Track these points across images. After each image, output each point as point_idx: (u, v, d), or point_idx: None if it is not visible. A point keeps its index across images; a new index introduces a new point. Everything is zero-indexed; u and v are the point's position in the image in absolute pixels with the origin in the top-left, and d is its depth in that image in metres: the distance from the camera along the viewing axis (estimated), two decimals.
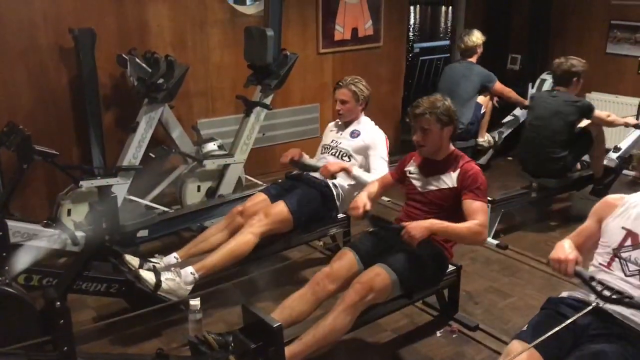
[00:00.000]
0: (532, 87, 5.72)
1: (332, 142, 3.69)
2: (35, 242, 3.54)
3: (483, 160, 5.40)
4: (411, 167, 3.07)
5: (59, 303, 1.99)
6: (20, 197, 4.00)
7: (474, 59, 5.22)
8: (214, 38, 4.82)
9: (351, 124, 3.67)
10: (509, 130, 5.60)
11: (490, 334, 3.08)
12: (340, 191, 3.55)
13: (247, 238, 3.21)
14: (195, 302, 2.87)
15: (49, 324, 2.02)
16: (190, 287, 3.07)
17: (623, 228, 2.21)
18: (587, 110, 4.21)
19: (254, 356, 1.93)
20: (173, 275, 3.04)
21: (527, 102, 5.29)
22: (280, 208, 3.34)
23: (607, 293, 2.06)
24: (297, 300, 2.73)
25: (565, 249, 2.20)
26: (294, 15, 5.13)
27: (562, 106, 4.19)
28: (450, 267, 3.10)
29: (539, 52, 5.98)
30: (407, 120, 3.03)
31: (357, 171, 3.47)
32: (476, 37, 5.19)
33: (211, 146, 4.41)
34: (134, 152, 4.07)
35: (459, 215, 2.81)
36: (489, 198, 4.06)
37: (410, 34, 7.39)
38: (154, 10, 4.50)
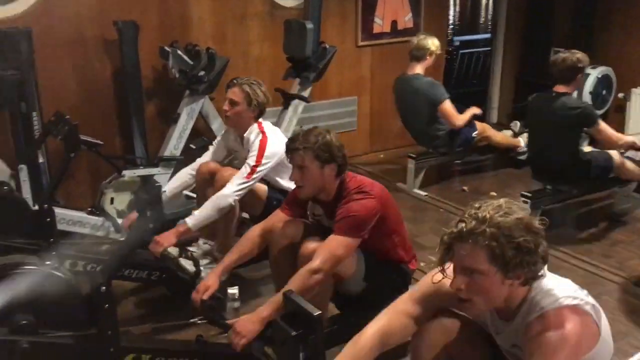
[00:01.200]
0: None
1: (234, 159, 3.43)
2: (79, 229, 3.66)
3: (524, 156, 5.29)
4: (315, 210, 2.74)
5: (104, 288, 2.06)
6: (65, 186, 4.11)
7: (421, 68, 4.60)
8: (254, 31, 4.86)
9: (244, 139, 3.27)
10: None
11: None
12: None
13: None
14: (234, 291, 2.92)
15: (94, 308, 2.08)
16: (228, 273, 3.11)
17: None
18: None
19: (294, 343, 1.96)
20: (211, 262, 3.09)
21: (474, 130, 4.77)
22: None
23: None
24: None
25: None
26: (333, 7, 5.13)
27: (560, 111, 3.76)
28: None
29: (583, 46, 5.84)
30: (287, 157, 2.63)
31: (193, 219, 3.02)
32: (431, 42, 4.59)
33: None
34: (175, 143, 4.15)
35: (381, 240, 2.61)
36: (527, 193, 4.02)
37: (450, 26, 7.27)
38: (195, 3, 4.56)
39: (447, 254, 1.70)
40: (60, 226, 3.42)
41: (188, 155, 4.28)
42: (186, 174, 3.39)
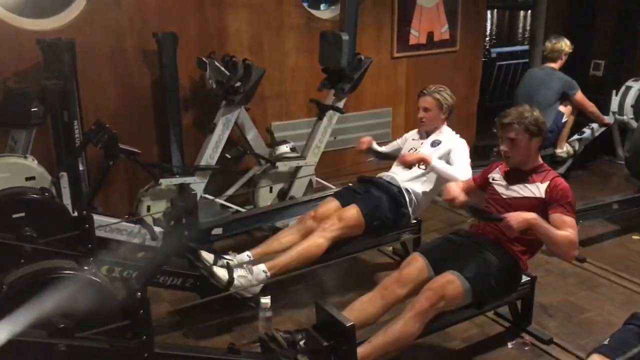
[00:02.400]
0: (616, 95, 5.48)
1: (410, 150, 3.66)
2: (117, 236, 3.72)
3: (561, 170, 5.20)
4: (495, 175, 3.03)
5: (139, 294, 2.08)
6: (103, 193, 4.19)
7: (556, 65, 5.02)
8: (290, 42, 4.90)
9: (432, 134, 3.64)
10: (588, 142, 5.38)
11: (565, 348, 2.97)
12: (414, 197, 3.52)
13: (319, 241, 3.23)
14: (266, 300, 2.92)
15: (130, 313, 2.11)
16: (261, 285, 3.13)
17: None
18: None
19: (326, 354, 1.95)
20: (245, 272, 3.10)
21: (607, 120, 5.15)
22: (353, 212, 3.35)
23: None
24: (365, 303, 2.73)
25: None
26: (369, 19, 5.14)
27: None
28: (525, 278, 3.02)
29: (625, 58, 5.72)
30: (494, 130, 2.97)
31: (437, 163, 3.37)
32: (564, 43, 5.01)
33: (284, 148, 4.48)
34: (210, 153, 4.21)
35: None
36: None
37: (487, 38, 7.23)
38: (233, 15, 4.62)
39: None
40: (98, 233, 3.48)
41: (223, 165, 4.35)
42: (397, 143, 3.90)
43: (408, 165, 3.43)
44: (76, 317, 2.05)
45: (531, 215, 2.65)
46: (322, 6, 7.02)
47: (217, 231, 3.83)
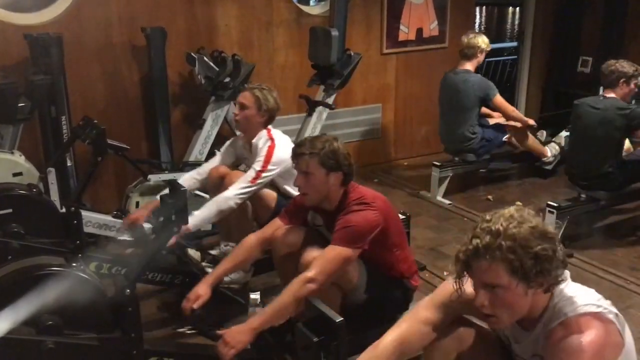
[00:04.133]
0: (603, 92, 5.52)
1: (242, 167, 3.35)
2: (105, 232, 3.71)
3: (550, 167, 5.23)
4: (315, 219, 2.71)
5: (128, 291, 2.08)
6: (91, 189, 4.17)
7: (471, 65, 4.65)
8: (279, 38, 4.89)
9: (252, 145, 3.24)
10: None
11: None
12: None
13: None
14: (255, 296, 2.92)
15: (119, 310, 2.10)
16: (250, 273, 3.11)
17: None
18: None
19: (316, 350, 1.96)
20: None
21: (531, 122, 4.82)
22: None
23: None
24: None
25: None
26: (358, 15, 5.14)
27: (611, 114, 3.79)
28: None
29: (612, 55, 5.76)
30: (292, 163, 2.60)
31: (193, 219, 2.92)
32: (481, 39, 4.63)
33: None
34: (200, 148, 4.20)
35: (382, 253, 2.57)
36: (553, 204, 3.97)
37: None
38: (222, 11, 4.60)
39: (464, 271, 1.66)
40: (87, 229, 3.47)
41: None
42: (191, 177, 3.35)
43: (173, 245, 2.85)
44: (64, 314, 2.05)
45: (249, 325, 2.28)
46: (312, 2, 7.02)
47: (206, 227, 3.82)
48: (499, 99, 4.63)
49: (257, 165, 3.06)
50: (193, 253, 3.16)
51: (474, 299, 1.67)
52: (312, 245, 2.53)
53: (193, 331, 2.74)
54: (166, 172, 4.13)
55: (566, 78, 5.11)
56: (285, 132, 4.68)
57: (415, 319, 1.90)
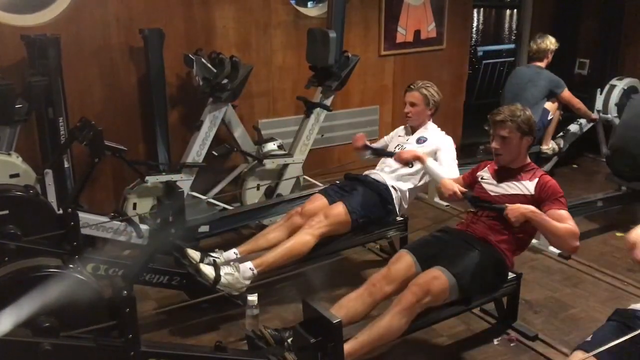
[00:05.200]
0: (600, 94, 5.54)
1: (396, 147, 3.66)
2: (102, 234, 3.70)
3: (547, 167, 5.25)
4: (484, 173, 3.07)
5: (125, 292, 2.07)
6: (89, 190, 4.16)
7: (543, 64, 5.05)
8: (277, 40, 4.89)
9: (418, 130, 3.66)
10: (574, 138, 5.43)
11: (550, 344, 3.00)
12: (399, 194, 3.54)
13: (306, 239, 3.24)
14: (253, 298, 2.93)
15: (116, 311, 2.10)
16: (248, 282, 3.12)
17: None
18: None
19: (314, 351, 1.95)
20: (232, 270, 3.10)
21: (594, 116, 5.21)
22: (339, 209, 3.36)
23: None
24: (353, 300, 2.74)
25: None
26: (356, 17, 5.15)
27: None
28: (510, 275, 3.04)
29: (609, 57, 5.78)
30: (486, 128, 3.02)
31: (431, 162, 3.34)
32: (550, 41, 5.04)
33: (271, 146, 4.48)
34: (197, 150, 4.19)
35: (526, 225, 2.77)
36: None
37: (474, 37, 7.26)
38: (220, 12, 4.60)
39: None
40: (84, 230, 3.46)
41: (210, 162, 4.33)
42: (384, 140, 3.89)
43: (404, 162, 3.42)
44: (61, 316, 2.04)
45: (529, 209, 2.70)
46: (310, 3, 7.03)
47: (204, 229, 3.83)
48: (567, 93, 5.00)
49: (452, 156, 3.48)
50: (192, 253, 3.15)
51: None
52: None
53: (475, 207, 2.98)
54: (164, 173, 4.13)
55: (563, 80, 5.13)
56: (283, 133, 4.76)
57: None
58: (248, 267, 3.12)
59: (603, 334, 2.10)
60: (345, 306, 2.71)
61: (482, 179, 3.06)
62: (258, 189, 4.38)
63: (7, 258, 2.34)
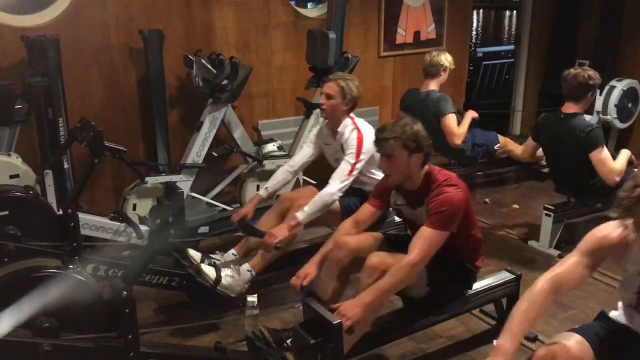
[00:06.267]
0: (600, 95, 5.54)
1: (336, 162, 3.38)
2: (102, 234, 3.70)
3: (547, 169, 5.24)
4: (397, 199, 2.83)
5: (125, 293, 2.07)
6: (88, 191, 4.16)
7: (435, 84, 4.47)
8: (277, 41, 4.90)
9: (338, 132, 3.36)
10: None
11: None
12: None
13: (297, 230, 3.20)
14: (253, 299, 2.93)
15: (116, 312, 2.10)
16: (247, 284, 3.13)
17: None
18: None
19: (313, 351, 1.96)
20: (232, 272, 3.11)
21: (474, 114, 4.63)
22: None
23: None
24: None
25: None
26: (356, 18, 5.15)
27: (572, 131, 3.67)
28: (510, 276, 3.04)
29: (608, 59, 5.79)
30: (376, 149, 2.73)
31: (303, 214, 3.12)
32: (445, 57, 4.46)
33: (271, 147, 4.48)
34: (197, 151, 4.19)
35: (460, 236, 2.64)
36: (550, 207, 3.98)
37: (473, 38, 7.27)
38: (219, 13, 4.60)
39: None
40: (84, 231, 3.46)
41: (210, 163, 4.33)
42: (285, 171, 3.51)
43: (274, 248, 3.07)
44: (61, 317, 2.04)
45: (360, 299, 2.40)
46: (309, 4, 7.03)
47: (204, 229, 3.83)
48: (448, 119, 4.37)
49: (350, 158, 3.22)
50: (193, 253, 3.15)
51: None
52: (379, 250, 2.69)
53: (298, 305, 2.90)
54: (163, 174, 4.13)
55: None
56: (282, 134, 4.76)
57: (565, 265, 2.09)
58: (246, 269, 3.14)
59: (587, 325, 2.21)
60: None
61: (396, 205, 2.85)
62: (258, 189, 4.38)
63: (6, 259, 2.34)
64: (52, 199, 3.60)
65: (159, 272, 3.09)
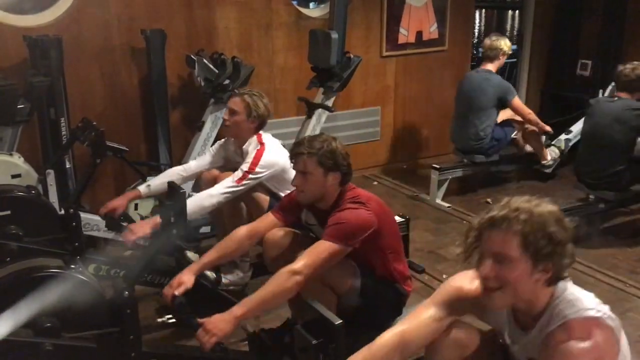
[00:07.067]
0: (603, 95, 5.52)
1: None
2: (104, 234, 3.70)
3: (549, 169, 5.24)
4: (308, 218, 2.70)
5: (127, 293, 2.08)
6: (90, 191, 4.16)
7: (493, 66, 4.82)
8: (279, 40, 4.89)
9: (242, 151, 3.25)
10: (578, 137, 5.41)
11: None
12: None
13: None
14: None
15: (117, 312, 2.10)
16: (249, 274, 3.11)
17: None
18: None
19: (315, 352, 1.95)
20: (230, 268, 3.10)
21: (547, 128, 4.91)
22: None
23: None
24: None
25: None
26: (358, 18, 5.14)
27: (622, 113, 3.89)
28: None
29: (611, 58, 5.77)
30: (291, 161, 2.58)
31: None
32: (504, 42, 4.80)
33: None
34: (199, 151, 4.19)
35: (375, 255, 2.56)
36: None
37: (476, 38, 7.25)
38: (221, 13, 4.60)
39: (475, 242, 1.67)
40: (86, 231, 3.46)
41: None
42: (176, 173, 3.32)
43: (133, 244, 2.95)
44: (63, 316, 2.04)
45: (232, 313, 2.24)
46: (312, 4, 7.02)
47: (205, 229, 3.82)
48: (517, 102, 4.78)
49: (245, 167, 3.06)
50: (192, 255, 3.15)
51: (481, 269, 1.64)
52: (304, 247, 2.48)
53: (172, 320, 2.67)
54: None
55: (565, 81, 5.12)
56: (284, 134, 4.75)
57: (416, 318, 1.86)
58: (246, 268, 3.13)
59: None
60: None
61: (308, 223, 2.69)
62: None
63: (8, 258, 2.34)
64: (54, 198, 3.60)
65: (160, 272, 3.08)
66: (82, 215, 3.17)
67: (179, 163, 4.27)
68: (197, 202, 3.00)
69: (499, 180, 5.31)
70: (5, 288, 2.06)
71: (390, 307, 2.62)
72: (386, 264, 2.59)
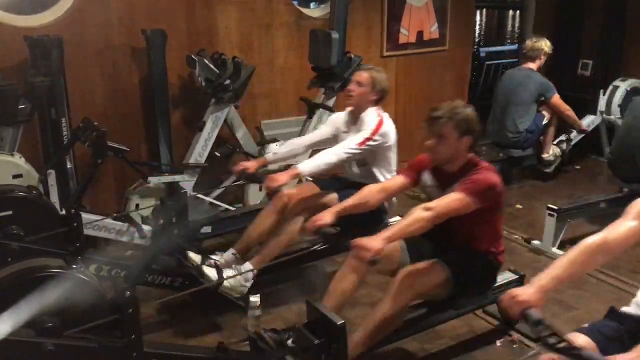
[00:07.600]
0: (604, 95, 5.53)
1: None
2: (105, 234, 3.70)
3: (550, 169, 5.25)
4: (426, 178, 2.84)
5: (128, 293, 2.07)
6: (91, 191, 4.15)
7: (534, 65, 5.03)
8: (279, 41, 4.89)
9: (358, 119, 3.42)
10: (577, 139, 5.42)
11: None
12: (394, 198, 3.48)
13: (296, 227, 3.20)
14: (255, 299, 2.92)
15: (118, 312, 2.10)
16: (249, 284, 3.12)
17: None
18: None
19: (317, 352, 1.95)
20: (234, 272, 3.10)
21: (584, 126, 5.18)
22: (331, 197, 3.29)
23: (552, 340, 1.80)
24: (339, 281, 2.70)
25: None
26: (358, 18, 5.14)
27: None
28: (513, 276, 3.04)
29: (612, 58, 5.77)
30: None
31: (306, 165, 3.22)
32: (544, 43, 5.03)
33: (274, 147, 4.47)
34: (200, 151, 4.19)
35: (481, 224, 2.69)
36: (553, 207, 3.97)
37: (476, 38, 7.26)
38: (222, 13, 4.60)
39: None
40: (87, 231, 3.46)
41: (213, 163, 4.33)
42: (298, 143, 3.65)
43: (274, 191, 3.23)
44: (64, 316, 2.04)
45: (380, 236, 2.42)
46: (312, 4, 7.02)
47: (206, 229, 3.82)
48: (556, 99, 4.97)
49: (366, 133, 3.26)
50: (193, 256, 3.15)
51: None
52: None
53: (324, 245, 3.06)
54: (166, 174, 4.13)
55: (566, 81, 5.13)
56: (285, 134, 4.75)
57: (617, 227, 2.08)
58: (248, 269, 3.13)
59: (599, 324, 2.17)
60: (334, 291, 2.67)
61: (424, 184, 2.84)
62: (260, 189, 4.38)
63: (10, 258, 2.34)
64: (55, 198, 3.61)
65: (162, 273, 3.08)
66: (83, 215, 3.17)
67: (180, 163, 4.29)
68: (323, 158, 3.22)
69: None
70: (6, 288, 2.06)
71: (484, 282, 2.85)
72: (490, 233, 2.77)
